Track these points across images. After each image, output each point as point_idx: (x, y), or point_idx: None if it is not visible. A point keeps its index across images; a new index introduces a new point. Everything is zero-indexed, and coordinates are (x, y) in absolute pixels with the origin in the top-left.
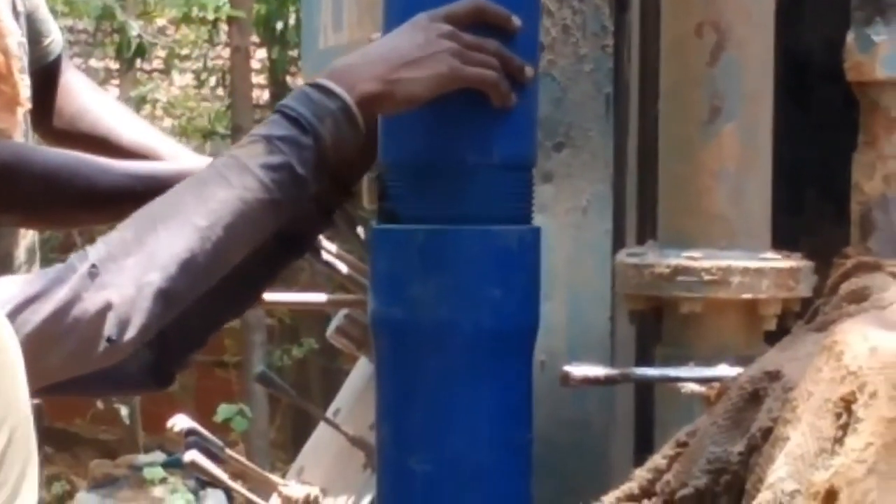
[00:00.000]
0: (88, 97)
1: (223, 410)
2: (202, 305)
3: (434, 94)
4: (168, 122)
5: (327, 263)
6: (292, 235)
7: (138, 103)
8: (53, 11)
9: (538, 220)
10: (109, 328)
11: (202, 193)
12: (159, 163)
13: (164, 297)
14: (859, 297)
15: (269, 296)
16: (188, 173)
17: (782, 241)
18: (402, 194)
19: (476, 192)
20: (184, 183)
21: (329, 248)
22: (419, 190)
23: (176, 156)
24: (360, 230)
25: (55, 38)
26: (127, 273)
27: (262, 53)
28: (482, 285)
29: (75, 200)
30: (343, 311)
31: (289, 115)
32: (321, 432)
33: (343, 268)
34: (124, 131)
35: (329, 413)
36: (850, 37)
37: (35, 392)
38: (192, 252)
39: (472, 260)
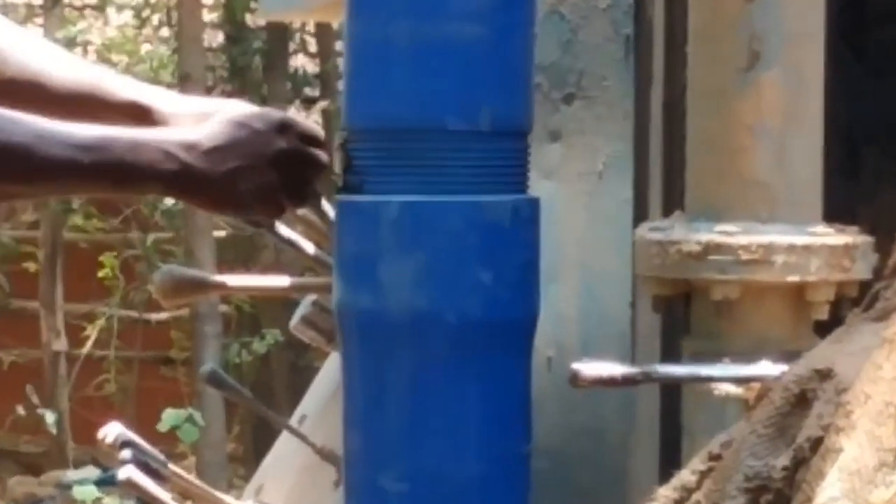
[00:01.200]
0: (9, 37)
1: (169, 417)
2: None
3: None
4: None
5: (290, 241)
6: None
7: (67, 46)
8: None
9: (544, 187)
10: None
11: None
12: (111, 128)
13: None
14: None
15: (224, 279)
16: (144, 146)
17: (835, 211)
18: (371, 165)
19: (458, 161)
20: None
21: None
22: (390, 160)
23: (123, 91)
24: (326, 205)
25: None
26: None
27: None
28: (467, 267)
29: (7, 175)
30: (310, 298)
31: None
32: (284, 443)
33: (309, 247)
34: (58, 72)
35: (293, 420)
36: None
37: None
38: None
39: (454, 237)
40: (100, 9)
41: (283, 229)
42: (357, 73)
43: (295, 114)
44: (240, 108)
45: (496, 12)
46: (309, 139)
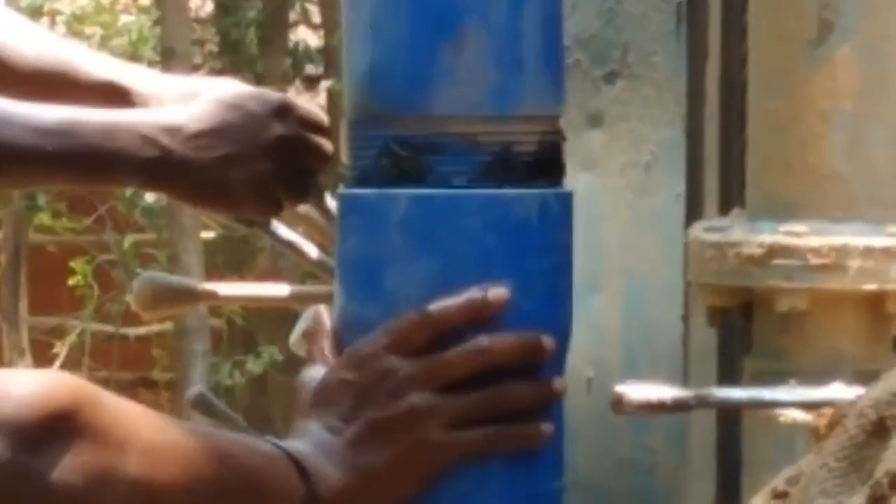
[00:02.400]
0: None
1: None
2: None
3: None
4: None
5: (289, 243)
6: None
7: (31, 17)
8: None
9: (582, 180)
10: None
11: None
12: (81, 110)
13: None
14: None
15: (214, 287)
16: (119, 130)
17: None
18: (377, 157)
19: (474, 151)
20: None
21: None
22: (399, 150)
23: (96, 70)
24: (330, 202)
25: None
26: None
27: None
28: (487, 272)
29: None
30: (313, 309)
31: None
32: None
33: (311, 249)
34: (22, 47)
35: None
36: None
37: None
38: None
39: (472, 236)
40: None
41: (281, 229)
42: (357, 54)
43: (295, 95)
44: (232, 88)
45: None
46: (311, 125)
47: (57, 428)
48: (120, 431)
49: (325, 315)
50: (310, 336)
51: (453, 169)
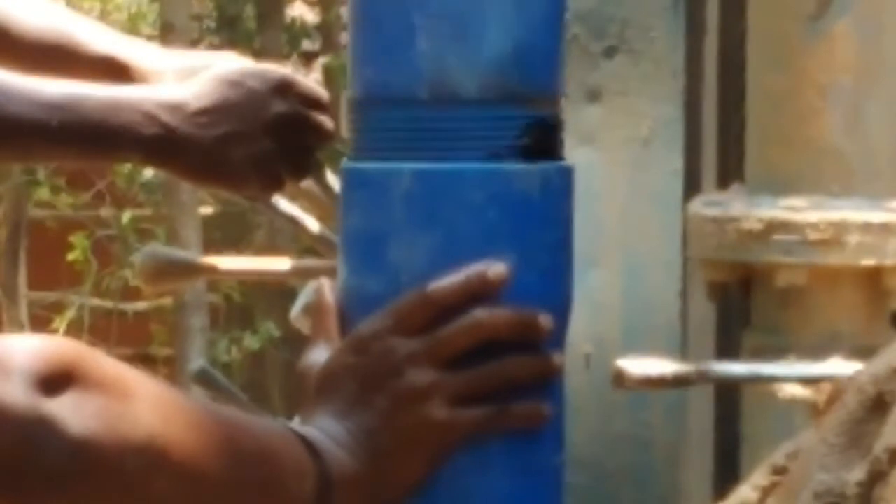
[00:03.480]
0: None
1: None
2: None
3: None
4: None
5: (291, 217)
6: None
7: None
8: None
9: (580, 155)
10: None
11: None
12: (83, 85)
13: None
14: None
15: (215, 261)
16: (121, 106)
17: None
18: (382, 137)
19: (471, 130)
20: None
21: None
22: (403, 132)
23: (96, 44)
24: (331, 177)
25: None
26: None
27: None
28: (490, 247)
29: None
30: (313, 284)
31: None
32: None
33: (313, 223)
34: (26, 17)
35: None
36: None
37: None
38: None
39: (474, 210)
40: None
41: (282, 203)
42: (362, 40)
43: (296, 72)
44: (233, 64)
45: None
46: (311, 102)
47: (68, 375)
48: (126, 383)
49: (329, 289)
50: (312, 311)
51: (456, 145)
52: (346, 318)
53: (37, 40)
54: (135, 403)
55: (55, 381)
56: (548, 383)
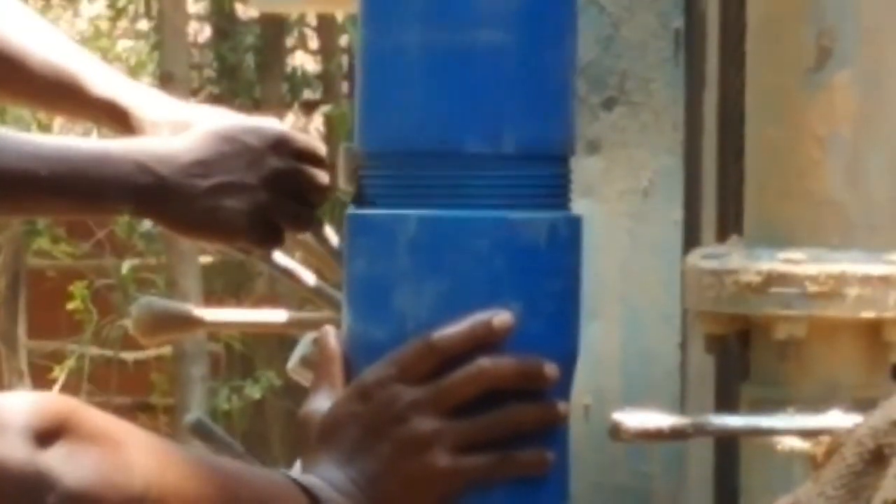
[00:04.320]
0: None
1: None
2: None
3: None
4: None
5: (287, 270)
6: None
7: None
8: None
9: (580, 206)
10: None
11: None
12: (77, 139)
13: None
14: None
15: (212, 313)
16: (112, 157)
17: None
18: (388, 189)
19: (485, 183)
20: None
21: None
22: (408, 185)
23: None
24: (329, 232)
25: None
26: None
27: None
28: (496, 296)
29: None
30: (310, 335)
31: None
32: None
33: (309, 276)
34: (41, 53)
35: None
36: None
37: None
38: None
39: (480, 259)
40: None
41: (278, 256)
42: (371, 90)
43: (293, 128)
44: (228, 120)
45: (528, 19)
46: (308, 157)
47: (60, 426)
48: (118, 433)
49: (333, 336)
50: (316, 358)
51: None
52: (351, 364)
53: (49, 77)
54: (128, 454)
55: (49, 433)
56: (552, 431)
